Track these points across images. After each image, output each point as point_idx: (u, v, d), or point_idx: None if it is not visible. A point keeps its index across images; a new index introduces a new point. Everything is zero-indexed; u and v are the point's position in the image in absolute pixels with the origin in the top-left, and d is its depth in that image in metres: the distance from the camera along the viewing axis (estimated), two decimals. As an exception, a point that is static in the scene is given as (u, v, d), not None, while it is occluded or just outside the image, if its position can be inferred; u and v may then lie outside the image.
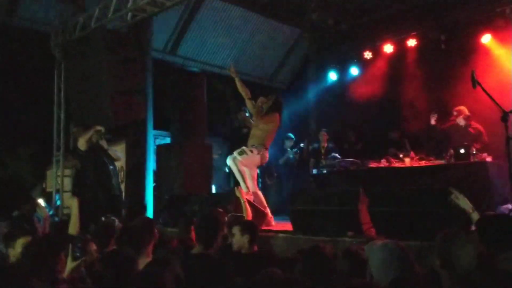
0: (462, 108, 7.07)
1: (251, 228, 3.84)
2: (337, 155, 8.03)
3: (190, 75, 9.97)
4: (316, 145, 9.00)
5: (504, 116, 4.51)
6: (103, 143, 6.80)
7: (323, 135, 8.86)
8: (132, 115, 7.30)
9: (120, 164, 8.04)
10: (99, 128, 6.82)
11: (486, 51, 7.80)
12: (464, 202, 3.43)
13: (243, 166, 5.86)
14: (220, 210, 4.64)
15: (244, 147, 5.97)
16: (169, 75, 10.15)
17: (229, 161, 5.94)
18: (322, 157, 8.44)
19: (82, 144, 6.76)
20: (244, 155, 5.85)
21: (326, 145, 8.80)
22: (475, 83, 4.78)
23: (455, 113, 7.08)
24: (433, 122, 7.21)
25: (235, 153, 5.88)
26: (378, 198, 4.67)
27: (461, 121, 7.01)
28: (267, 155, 6.09)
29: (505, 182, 4.56)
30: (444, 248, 2.37)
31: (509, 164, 4.33)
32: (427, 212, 4.27)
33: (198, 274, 2.67)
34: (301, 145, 9.18)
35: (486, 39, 7.84)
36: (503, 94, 6.18)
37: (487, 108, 5.53)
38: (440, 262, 2.36)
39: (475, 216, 3.34)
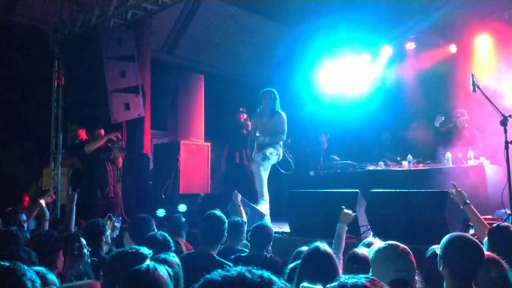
0: (465, 110, 7.14)
1: (252, 231, 3.80)
2: (335, 157, 8.02)
3: (187, 74, 9.94)
4: (315, 146, 9.02)
5: (503, 120, 4.51)
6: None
7: (322, 137, 8.92)
8: (130, 114, 7.27)
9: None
10: (114, 136, 6.75)
11: (485, 55, 7.80)
12: (457, 196, 3.43)
13: (264, 173, 5.86)
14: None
15: (265, 151, 5.95)
16: (166, 75, 10.11)
17: (253, 167, 5.89)
18: (321, 158, 8.45)
19: (90, 148, 6.67)
20: (267, 160, 5.85)
21: (325, 146, 8.83)
22: (474, 86, 4.77)
23: (458, 114, 7.15)
24: (437, 124, 7.23)
25: (259, 159, 5.86)
26: (375, 201, 4.67)
27: (461, 123, 7.06)
28: (281, 152, 6.12)
29: (502, 186, 4.54)
30: (449, 252, 2.35)
31: (508, 168, 4.32)
32: (424, 215, 4.28)
33: (201, 273, 2.63)
34: (289, 141, 9.21)
35: (485, 43, 7.86)
36: (502, 98, 6.18)
37: (486, 111, 5.52)
38: (443, 265, 2.33)
39: (467, 209, 3.32)
